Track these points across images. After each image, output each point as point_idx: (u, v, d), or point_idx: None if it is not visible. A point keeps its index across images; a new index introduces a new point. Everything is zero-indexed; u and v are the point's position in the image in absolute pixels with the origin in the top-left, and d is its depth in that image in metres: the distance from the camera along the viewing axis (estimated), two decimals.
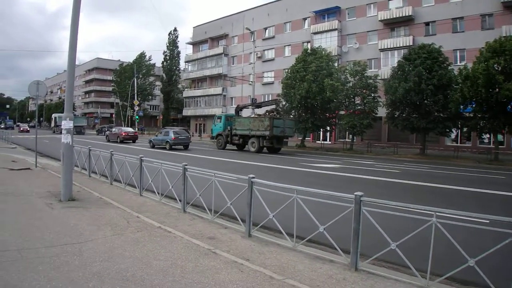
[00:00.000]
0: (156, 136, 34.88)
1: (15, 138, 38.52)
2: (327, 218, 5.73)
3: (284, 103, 38.22)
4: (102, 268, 4.96)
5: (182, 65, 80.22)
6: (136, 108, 67.82)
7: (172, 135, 31.85)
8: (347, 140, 40.83)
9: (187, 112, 69.25)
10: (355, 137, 38.02)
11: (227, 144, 34.69)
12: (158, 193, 9.77)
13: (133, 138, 41.01)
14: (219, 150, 32.81)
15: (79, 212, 8.24)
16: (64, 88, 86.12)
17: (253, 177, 6.77)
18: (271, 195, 6.67)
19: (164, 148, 31.64)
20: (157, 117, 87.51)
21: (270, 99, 47.60)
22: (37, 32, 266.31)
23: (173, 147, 31.84)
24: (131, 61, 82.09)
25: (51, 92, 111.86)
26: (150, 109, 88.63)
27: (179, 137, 32.26)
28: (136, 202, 9.53)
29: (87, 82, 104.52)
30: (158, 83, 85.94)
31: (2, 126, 66.45)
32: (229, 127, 34.65)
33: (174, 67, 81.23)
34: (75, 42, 9.58)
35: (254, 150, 31.50)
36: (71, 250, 5.62)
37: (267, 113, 32.91)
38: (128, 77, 77.02)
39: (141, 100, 75.59)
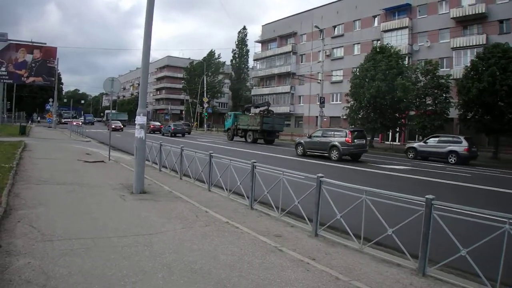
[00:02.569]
0: (166, 127, 49.30)
1: (88, 132, 40.53)
2: (396, 221, 5.54)
3: (352, 102, 37.63)
4: (171, 260, 5.07)
5: (250, 63, 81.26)
6: (205, 105, 69.37)
7: (172, 127, 47.43)
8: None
9: (255, 110, 69.32)
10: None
11: (235, 136, 42.07)
12: (226, 189, 9.90)
13: (158, 130, 52.29)
14: (236, 142, 38.56)
15: (150, 205, 8.51)
16: (136, 85, 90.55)
17: (322, 177, 6.66)
18: (338, 195, 6.55)
19: (173, 136, 44.25)
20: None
21: (339, 98, 51.47)
22: (112, 30, 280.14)
23: (176, 134, 45.72)
24: (200, 59, 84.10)
25: (124, 88, 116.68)
26: (219, 106, 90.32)
27: (177, 128, 47.41)
28: (205, 197, 9.70)
29: (159, 79, 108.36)
30: (226, 81, 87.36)
31: (81, 121, 69.47)
32: (235, 123, 41.80)
33: (243, 65, 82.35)
34: (149, 40, 9.90)
35: (250, 141, 38.85)
36: (142, 241, 5.79)
37: (260, 112, 41.78)
38: (198, 75, 79.01)
39: (210, 97, 77.17)
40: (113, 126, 47.19)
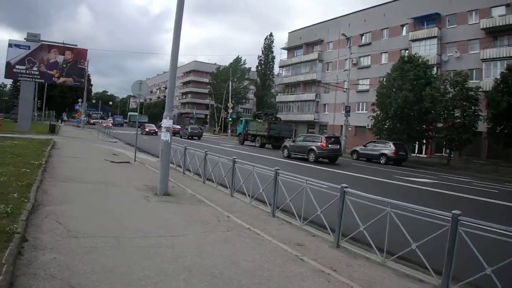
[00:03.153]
0: (184, 130, 52.25)
1: (116, 133, 41.18)
2: (419, 235, 5.46)
3: (378, 112, 37.22)
4: (193, 263, 5.11)
5: (276, 69, 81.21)
6: (230, 111, 69.68)
7: (189, 130, 49.88)
8: (443, 154, 38.66)
9: (279, 117, 69.09)
10: (452, 152, 35.95)
11: (245, 141, 44.39)
12: (249, 195, 9.93)
13: (178, 132, 51.59)
14: (246, 146, 40.89)
15: (173, 207, 8.61)
16: (163, 89, 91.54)
17: (346, 187, 6.63)
18: (362, 206, 6.48)
19: (190, 138, 46.03)
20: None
21: (364, 107, 51.08)
22: (141, 34, 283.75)
23: (193, 137, 47.41)
24: (227, 64, 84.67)
25: (151, 92, 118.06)
26: (243, 112, 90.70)
27: (193, 131, 49.43)
28: (227, 202, 9.74)
29: (185, 83, 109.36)
30: (252, 87, 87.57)
31: (111, 123, 70.08)
32: (246, 128, 44.19)
33: (268, 72, 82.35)
34: (178, 44, 10.06)
35: (258, 146, 40.95)
36: (164, 243, 5.86)
37: (267, 118, 44.13)
38: (224, 80, 79.46)
39: (235, 103, 77.47)
40: (147, 130, 47.75)
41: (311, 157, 26.26)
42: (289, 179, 8.56)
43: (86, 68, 38.96)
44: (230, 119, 69.27)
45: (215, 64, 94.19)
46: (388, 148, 31.23)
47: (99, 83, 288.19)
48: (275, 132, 40.08)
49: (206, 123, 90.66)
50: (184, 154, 14.96)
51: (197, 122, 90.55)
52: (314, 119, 61.41)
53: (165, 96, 75.30)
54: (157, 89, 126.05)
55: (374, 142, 34.01)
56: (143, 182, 11.46)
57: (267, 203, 8.98)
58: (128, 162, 16.35)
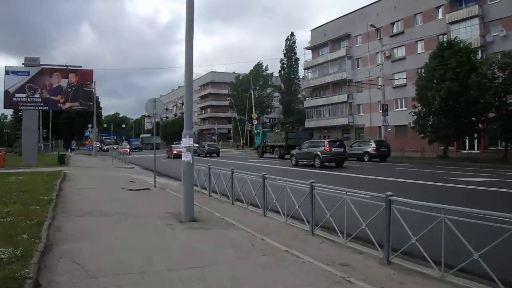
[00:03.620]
0: (201, 148, 53.22)
1: (132, 158, 41.84)
2: (482, 243, 5.26)
3: (419, 107, 36.67)
4: None
5: (301, 72, 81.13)
6: (255, 122, 69.77)
7: (206, 147, 52.75)
8: (499, 148, 37.73)
9: (309, 123, 68.64)
10: (509, 144, 34.99)
11: (264, 153, 46.03)
12: (283, 214, 9.85)
13: (195, 151, 50.25)
14: (266, 158, 42.31)
15: (201, 234, 8.62)
16: (180, 105, 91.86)
17: (391, 195, 6.49)
18: (411, 215, 6.33)
19: (209, 156, 48.50)
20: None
21: (403, 104, 50.77)
22: (150, 48, 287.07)
23: (211, 154, 49.97)
24: (246, 72, 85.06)
25: (167, 109, 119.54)
26: (269, 122, 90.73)
27: (211, 148, 52.73)
28: (260, 223, 9.70)
29: (203, 97, 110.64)
30: (276, 94, 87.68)
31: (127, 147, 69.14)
32: (264, 140, 46.28)
33: (293, 76, 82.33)
34: (191, 55, 10.14)
35: (277, 157, 42.46)
36: (194, 274, 5.83)
37: (284, 127, 47.12)
38: (245, 90, 79.85)
39: (259, 113, 77.71)
40: (175, 152, 46.90)
41: (317, 162, 28.96)
42: (325, 191, 8.47)
43: (93, 90, 39.65)
44: (256, 131, 69.09)
45: (233, 73, 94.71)
46: (370, 146, 35.72)
47: (109, 105, 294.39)
48: (293, 141, 40.84)
49: (230, 138, 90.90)
50: (209, 174, 15.03)
51: (220, 137, 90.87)
52: (349, 122, 60.93)
53: (182, 113, 76.06)
54: (173, 105, 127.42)
55: (359, 141, 40.05)
56: (166, 209, 11.52)
57: (305, 220, 8.88)
58: (148, 189, 16.51)
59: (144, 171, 27.86)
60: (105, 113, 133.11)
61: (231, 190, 12.96)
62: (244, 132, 78.38)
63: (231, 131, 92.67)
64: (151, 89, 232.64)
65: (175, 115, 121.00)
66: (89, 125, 59.65)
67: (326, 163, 28.85)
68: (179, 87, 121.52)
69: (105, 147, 77.32)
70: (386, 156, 35.64)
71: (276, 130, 47.52)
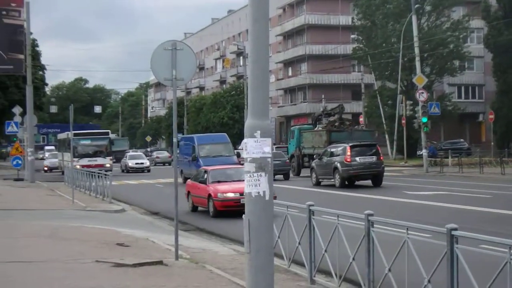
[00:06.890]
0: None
1: (118, 185, 26.39)
2: None
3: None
4: None
5: None
6: (420, 98, 33.13)
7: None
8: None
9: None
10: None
11: (302, 167, 30.66)
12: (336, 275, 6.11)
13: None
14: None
15: None
16: (231, 58, 62.33)
17: (455, 229, 4.00)
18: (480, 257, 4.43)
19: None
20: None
21: None
22: None
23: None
24: None
25: (202, 68, 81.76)
26: (461, 98, 55.04)
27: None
28: None
29: (289, 35, 63.61)
30: (475, 23, 51.82)
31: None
32: (300, 144, 31.86)
33: None
34: None
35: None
36: None
37: (328, 121, 31.42)
38: (394, 18, 46.09)
39: (436, 73, 46.50)
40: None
41: (336, 180, 20.82)
42: (384, 229, 5.53)
43: (24, 24, 23.16)
44: (425, 119, 33.71)
45: None
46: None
47: (65, 62, 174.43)
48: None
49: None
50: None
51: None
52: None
53: (241, 76, 48.07)
54: (216, 59, 75.48)
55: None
56: None
57: (362, 285, 5.58)
58: (160, 263, 7.76)
59: (146, 217, 17.17)
60: (53, 79, 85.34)
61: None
62: (396, 121, 42.91)
63: (361, 117, 50.21)
64: (161, 21, 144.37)
65: (222, 81, 72.80)
66: (16, 108, 33.77)
67: (354, 180, 20.85)
68: (229, 12, 74.88)
69: (47, 160, 48.34)
70: None
71: (319, 128, 31.54)
